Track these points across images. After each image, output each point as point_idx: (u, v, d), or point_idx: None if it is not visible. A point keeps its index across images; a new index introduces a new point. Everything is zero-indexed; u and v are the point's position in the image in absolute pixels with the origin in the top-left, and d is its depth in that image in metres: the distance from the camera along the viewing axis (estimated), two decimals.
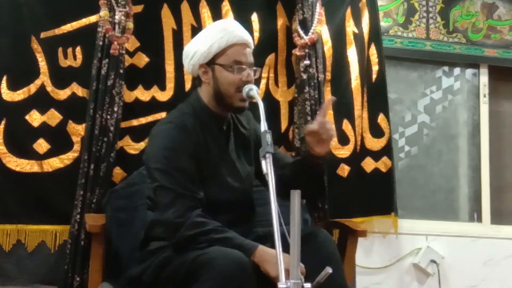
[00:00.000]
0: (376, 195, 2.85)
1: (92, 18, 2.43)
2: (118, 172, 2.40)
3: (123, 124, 2.42)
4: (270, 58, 2.66)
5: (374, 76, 2.87)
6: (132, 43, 2.46)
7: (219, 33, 1.90)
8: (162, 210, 1.79)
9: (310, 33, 2.61)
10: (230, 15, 2.61)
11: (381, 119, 2.88)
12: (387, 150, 2.88)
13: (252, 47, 1.97)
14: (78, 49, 2.42)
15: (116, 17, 2.37)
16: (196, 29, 2.56)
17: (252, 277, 1.63)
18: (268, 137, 1.56)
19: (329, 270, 1.46)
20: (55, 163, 2.37)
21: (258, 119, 1.69)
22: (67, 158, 2.39)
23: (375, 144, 2.86)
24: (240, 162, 1.98)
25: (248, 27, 2.60)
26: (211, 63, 1.91)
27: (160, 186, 1.80)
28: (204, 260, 1.62)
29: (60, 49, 2.41)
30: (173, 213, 1.74)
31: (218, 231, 1.73)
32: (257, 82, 2.56)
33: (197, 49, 1.92)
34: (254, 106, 1.81)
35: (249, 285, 1.62)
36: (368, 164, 2.84)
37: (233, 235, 1.74)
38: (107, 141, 2.33)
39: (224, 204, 1.87)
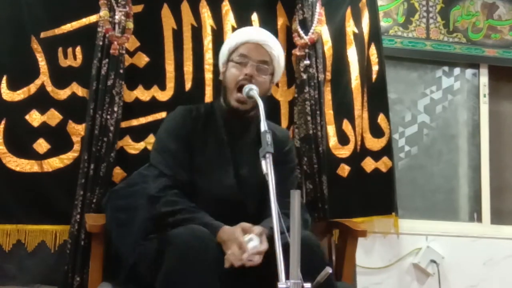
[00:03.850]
0: (376, 195, 2.85)
1: (92, 18, 2.43)
2: (118, 172, 2.40)
3: (123, 124, 2.42)
4: None
5: (374, 76, 2.87)
6: (132, 43, 2.46)
7: (237, 33, 2.07)
8: (148, 186, 1.94)
9: (310, 33, 2.61)
10: (230, 15, 2.61)
11: (381, 119, 2.88)
12: (387, 150, 2.88)
13: (271, 50, 1.98)
14: (78, 49, 2.42)
15: (116, 17, 2.38)
16: (196, 29, 2.57)
17: (212, 249, 1.69)
18: (268, 137, 1.56)
19: (329, 270, 1.46)
20: (55, 163, 2.37)
21: (258, 119, 1.69)
22: (67, 158, 2.39)
23: (375, 144, 2.86)
24: (246, 166, 1.96)
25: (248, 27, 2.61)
26: (227, 61, 2.02)
27: (150, 164, 2.01)
28: (169, 239, 1.71)
29: (60, 49, 2.41)
30: (154, 189, 1.90)
31: (187, 211, 1.80)
32: None
33: (221, 51, 2.08)
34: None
35: (209, 256, 1.66)
36: (368, 164, 2.84)
37: (201, 215, 1.79)
38: (107, 141, 2.33)
39: (215, 199, 1.90)
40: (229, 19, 2.61)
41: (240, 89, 1.93)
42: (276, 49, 2.00)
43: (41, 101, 2.38)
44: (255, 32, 2.03)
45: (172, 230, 1.75)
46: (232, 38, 2.04)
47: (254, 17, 2.65)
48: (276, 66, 2.01)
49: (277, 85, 2.67)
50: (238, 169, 1.97)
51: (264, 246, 1.70)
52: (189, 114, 2.00)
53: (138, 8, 2.48)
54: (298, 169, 2.56)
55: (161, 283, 1.67)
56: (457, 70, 3.42)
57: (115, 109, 2.35)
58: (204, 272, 1.66)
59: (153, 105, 2.49)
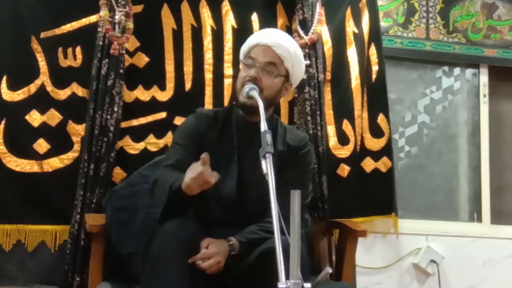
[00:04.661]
0: (376, 195, 2.85)
1: (92, 18, 2.43)
2: (118, 172, 2.40)
3: (123, 124, 2.42)
4: None
5: (374, 76, 2.87)
6: (132, 43, 2.46)
7: (251, 36, 2.06)
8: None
9: (310, 33, 2.61)
10: (230, 15, 2.61)
11: (381, 119, 2.88)
12: (387, 150, 2.88)
13: (280, 51, 1.96)
14: (78, 49, 2.42)
15: (116, 17, 2.38)
16: (196, 29, 2.57)
17: (184, 232, 1.76)
18: (268, 137, 1.56)
19: (329, 270, 1.46)
20: (55, 163, 2.37)
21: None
22: (67, 158, 2.39)
23: (375, 144, 2.86)
24: (253, 171, 1.95)
25: (248, 27, 2.61)
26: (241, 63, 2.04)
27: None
28: (157, 232, 1.79)
29: (60, 49, 2.41)
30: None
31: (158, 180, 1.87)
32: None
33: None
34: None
35: (194, 249, 1.75)
36: (368, 164, 2.84)
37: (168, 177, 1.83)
38: (107, 141, 2.33)
39: (216, 201, 1.91)
40: (229, 19, 2.61)
41: None
42: (288, 50, 1.98)
43: (41, 101, 2.38)
44: (266, 35, 2.02)
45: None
46: (247, 41, 2.05)
47: (254, 17, 2.65)
48: (289, 67, 1.98)
49: None
50: (243, 174, 1.95)
51: (211, 250, 1.76)
52: (205, 118, 2.02)
53: (138, 8, 2.48)
54: None
55: (146, 272, 1.73)
56: (457, 70, 3.42)
57: (115, 109, 2.35)
58: (185, 262, 1.71)
59: (153, 105, 2.48)
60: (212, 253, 1.75)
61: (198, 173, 1.68)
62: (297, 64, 2.02)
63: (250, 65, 1.95)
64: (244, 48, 2.04)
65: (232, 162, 1.96)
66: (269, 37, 1.99)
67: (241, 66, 2.02)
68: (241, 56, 2.05)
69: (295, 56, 2.00)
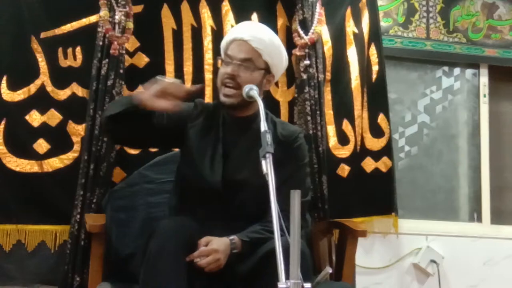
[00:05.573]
0: (376, 195, 2.85)
1: (92, 18, 2.43)
2: (118, 172, 2.40)
3: None
4: None
5: (374, 76, 2.87)
6: (132, 43, 2.46)
7: (229, 31, 2.06)
8: None
9: (310, 33, 2.61)
10: (230, 15, 2.61)
11: (381, 119, 2.88)
12: (387, 150, 2.88)
13: (257, 45, 1.92)
14: (78, 49, 2.42)
15: (116, 17, 2.38)
16: (196, 29, 2.57)
17: (182, 231, 1.75)
18: (268, 137, 1.56)
19: (329, 270, 1.46)
20: (55, 163, 2.38)
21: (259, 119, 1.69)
22: (67, 158, 2.39)
23: (375, 144, 2.86)
24: (240, 166, 1.93)
25: None
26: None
27: None
28: (153, 231, 1.78)
29: (60, 49, 2.41)
30: None
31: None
32: None
33: None
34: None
35: (192, 247, 1.74)
36: (368, 164, 2.84)
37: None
38: (107, 141, 2.33)
39: (200, 193, 1.91)
40: (229, 19, 2.61)
41: (226, 86, 1.91)
42: (264, 43, 1.93)
43: (41, 101, 2.38)
44: (242, 29, 1.98)
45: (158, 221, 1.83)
46: (225, 38, 2.02)
47: (254, 17, 2.65)
48: (268, 59, 1.94)
49: (277, 85, 2.67)
50: (229, 170, 1.93)
51: (210, 247, 1.75)
52: (195, 104, 2.01)
53: (138, 8, 2.48)
54: None
55: (143, 270, 1.71)
56: (457, 70, 3.42)
57: None
58: (183, 261, 1.70)
59: None
60: (210, 250, 1.74)
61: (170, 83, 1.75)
62: (277, 55, 1.97)
63: (228, 62, 1.92)
64: (223, 44, 2.00)
65: (217, 154, 1.94)
66: (245, 32, 1.95)
67: (219, 63, 1.98)
68: (222, 53, 2.01)
69: (273, 48, 1.96)
